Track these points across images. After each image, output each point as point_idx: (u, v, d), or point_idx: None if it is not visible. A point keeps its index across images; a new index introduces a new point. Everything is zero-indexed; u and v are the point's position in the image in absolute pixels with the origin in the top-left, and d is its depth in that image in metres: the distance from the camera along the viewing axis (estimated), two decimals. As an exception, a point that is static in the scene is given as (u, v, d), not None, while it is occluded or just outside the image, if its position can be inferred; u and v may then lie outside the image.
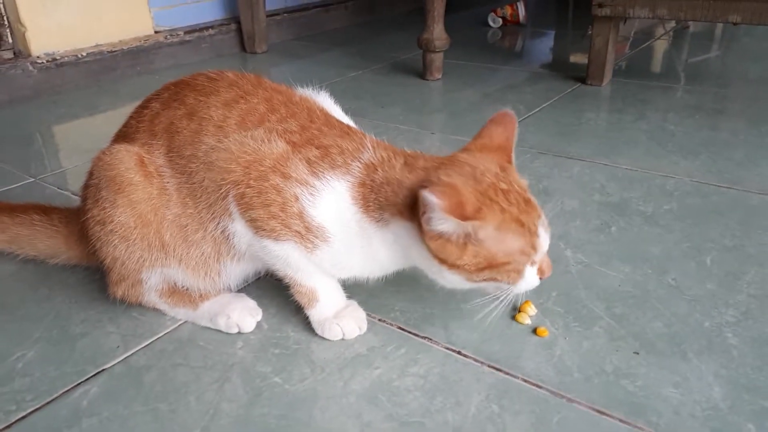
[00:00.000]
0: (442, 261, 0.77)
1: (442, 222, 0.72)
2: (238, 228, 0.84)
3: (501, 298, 0.81)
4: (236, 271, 0.93)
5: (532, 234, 0.77)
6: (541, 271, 0.81)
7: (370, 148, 0.83)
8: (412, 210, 0.77)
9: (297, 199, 0.79)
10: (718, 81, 2.08)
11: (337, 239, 0.81)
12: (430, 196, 0.70)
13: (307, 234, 0.80)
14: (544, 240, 0.79)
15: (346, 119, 0.95)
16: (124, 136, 0.93)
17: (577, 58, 2.42)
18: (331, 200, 0.80)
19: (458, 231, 0.73)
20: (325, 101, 0.95)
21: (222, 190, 0.82)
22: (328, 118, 0.88)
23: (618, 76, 2.13)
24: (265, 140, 0.82)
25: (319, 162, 0.81)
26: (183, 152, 0.86)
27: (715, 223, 1.16)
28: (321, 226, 0.80)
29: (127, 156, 0.87)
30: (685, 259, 1.05)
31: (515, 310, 0.93)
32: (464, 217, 0.72)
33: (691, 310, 0.93)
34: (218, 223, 0.85)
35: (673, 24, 2.92)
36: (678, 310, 0.93)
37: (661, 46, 2.63)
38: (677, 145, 1.53)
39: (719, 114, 1.76)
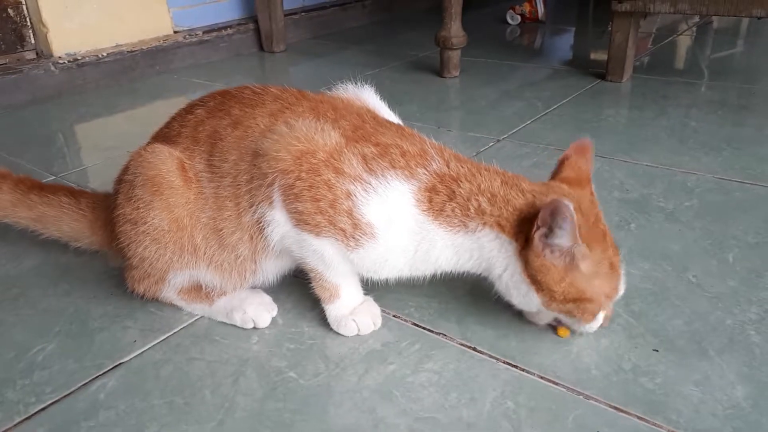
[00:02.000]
0: (536, 282, 0.77)
1: (565, 234, 0.72)
2: (277, 217, 0.82)
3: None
4: (273, 267, 0.92)
5: (618, 276, 0.78)
6: (606, 317, 0.81)
7: (438, 154, 0.82)
8: (517, 228, 0.77)
9: (349, 195, 0.78)
10: (742, 77, 2.05)
11: (386, 238, 0.80)
12: (569, 205, 0.70)
13: (354, 231, 0.79)
14: (623, 285, 0.80)
15: (393, 116, 0.95)
16: (165, 137, 0.92)
17: (598, 55, 2.39)
18: (388, 199, 0.78)
19: (570, 250, 0.74)
20: (371, 98, 0.94)
21: (269, 178, 0.80)
22: (379, 119, 0.87)
23: (639, 72, 2.10)
24: (318, 129, 0.80)
25: (378, 159, 0.79)
26: (227, 157, 0.85)
27: (738, 219, 1.14)
28: (370, 223, 0.79)
29: (169, 158, 0.87)
30: (707, 257, 1.04)
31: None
32: (583, 238, 0.73)
33: (712, 307, 0.91)
34: (255, 211, 0.83)
35: (696, 19, 2.87)
36: (698, 307, 0.91)
37: (684, 41, 2.59)
38: (699, 142, 1.51)
39: (743, 110, 1.73)
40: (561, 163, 0.85)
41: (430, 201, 0.79)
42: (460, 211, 0.79)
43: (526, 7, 2.99)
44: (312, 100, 0.88)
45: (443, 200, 0.79)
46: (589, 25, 3.10)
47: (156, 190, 0.85)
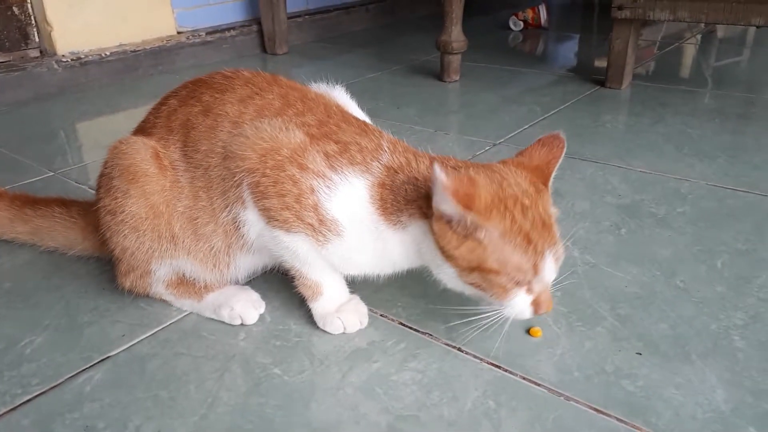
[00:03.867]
0: (441, 249, 0.76)
1: (444, 201, 0.72)
2: (250, 216, 0.85)
3: (490, 316, 0.79)
4: (246, 263, 0.94)
5: (538, 254, 0.74)
6: (537, 305, 0.77)
7: (389, 149, 0.83)
8: (429, 202, 0.77)
9: (313, 191, 0.80)
10: (744, 86, 2.05)
11: (349, 235, 0.81)
12: (439, 172, 0.70)
13: (320, 227, 0.81)
14: (549, 268, 0.75)
15: (362, 114, 0.96)
16: (141, 130, 0.95)
17: (600, 62, 2.39)
18: (348, 196, 0.80)
19: (457, 218, 0.73)
20: (341, 96, 0.96)
21: (236, 178, 0.83)
22: (345, 115, 0.89)
23: (640, 79, 2.10)
24: (283, 129, 0.82)
25: (338, 157, 0.81)
26: (199, 147, 0.87)
27: (729, 226, 1.14)
28: (335, 220, 0.80)
29: (143, 148, 0.89)
30: (696, 262, 1.04)
31: None
32: (468, 208, 0.71)
33: (698, 312, 0.91)
34: (230, 211, 0.86)
35: (701, 28, 2.87)
36: (684, 312, 0.91)
37: (688, 50, 2.59)
38: (695, 149, 1.51)
39: (742, 118, 1.73)
40: (520, 151, 0.85)
41: (381, 198, 0.80)
42: (395, 205, 0.80)
43: (529, 14, 2.99)
44: (283, 86, 0.89)
45: (386, 195, 0.80)
46: (593, 33, 3.11)
47: (131, 179, 0.87)
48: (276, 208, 0.81)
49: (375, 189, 0.80)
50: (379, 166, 0.81)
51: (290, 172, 0.80)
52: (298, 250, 0.84)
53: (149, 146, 0.89)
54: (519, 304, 0.77)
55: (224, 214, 0.86)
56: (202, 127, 0.87)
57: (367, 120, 0.94)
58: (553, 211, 0.79)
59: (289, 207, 0.80)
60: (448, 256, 0.76)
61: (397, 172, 0.81)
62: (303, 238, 0.82)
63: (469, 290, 0.80)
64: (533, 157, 0.83)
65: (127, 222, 0.88)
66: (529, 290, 0.76)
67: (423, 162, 0.82)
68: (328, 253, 0.83)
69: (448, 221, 0.74)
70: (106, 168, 0.91)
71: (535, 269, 0.74)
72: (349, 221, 0.81)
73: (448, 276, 0.79)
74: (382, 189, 0.80)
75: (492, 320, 0.80)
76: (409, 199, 0.79)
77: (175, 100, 0.92)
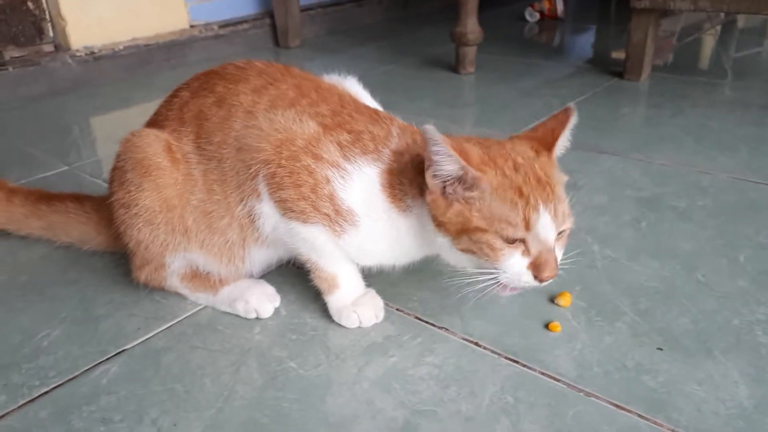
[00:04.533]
0: (434, 219, 0.76)
1: (444, 157, 0.71)
2: (266, 209, 0.84)
3: (483, 282, 0.75)
4: (260, 257, 0.94)
5: (530, 207, 0.70)
6: (535, 268, 0.72)
7: (398, 134, 0.83)
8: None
9: (328, 181, 0.79)
10: (765, 77, 2.01)
11: (365, 224, 0.81)
12: (429, 127, 0.69)
13: (336, 217, 0.80)
14: (544, 222, 0.71)
15: (375, 104, 0.95)
16: (153, 123, 0.95)
17: (618, 54, 2.35)
18: (362, 185, 0.80)
19: (455, 175, 0.72)
20: (353, 86, 0.95)
21: (252, 170, 0.82)
22: (358, 104, 0.88)
23: (659, 71, 2.07)
24: (297, 120, 0.82)
25: (351, 146, 0.81)
26: (212, 138, 0.86)
27: (752, 220, 1.12)
28: (350, 209, 0.80)
29: (155, 140, 0.89)
30: (717, 256, 1.02)
31: (550, 302, 0.92)
32: (466, 161, 0.71)
33: (719, 307, 0.89)
34: (245, 205, 0.85)
35: (721, 18, 2.82)
36: (706, 306, 0.89)
37: (707, 41, 2.55)
38: (715, 141, 1.48)
39: (764, 110, 1.69)
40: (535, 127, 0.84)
41: (390, 185, 0.80)
42: (401, 188, 0.79)
43: (545, 4, 2.96)
44: (297, 77, 0.89)
45: (394, 180, 0.80)
46: (610, 23, 3.07)
47: (145, 172, 0.87)
48: (292, 198, 0.80)
49: (385, 176, 0.80)
50: (389, 152, 0.81)
51: (305, 162, 0.80)
52: (315, 241, 0.83)
53: (162, 139, 0.89)
54: (514, 266, 0.72)
55: (239, 207, 0.86)
56: (216, 119, 0.86)
57: (380, 108, 0.94)
58: (559, 175, 0.77)
59: (305, 197, 0.80)
60: (438, 224, 0.76)
61: (402, 154, 0.81)
62: (320, 229, 0.82)
63: (467, 261, 0.78)
64: (538, 129, 0.82)
65: (140, 215, 0.88)
66: (526, 252, 0.73)
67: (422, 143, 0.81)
68: (345, 243, 0.82)
69: (442, 188, 0.74)
70: (119, 161, 0.91)
71: (527, 224, 0.71)
72: (364, 210, 0.81)
73: (444, 249, 0.79)
74: (391, 175, 0.80)
75: (488, 285, 0.75)
76: (411, 181, 0.79)
77: (187, 92, 0.92)
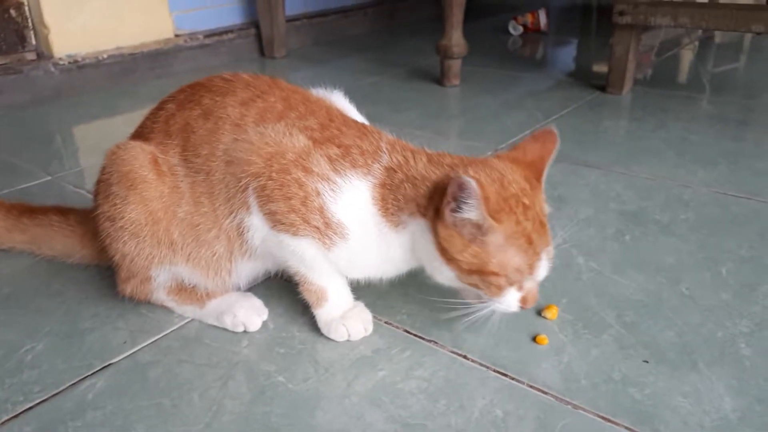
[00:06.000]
0: (444, 252, 0.77)
1: (472, 208, 0.72)
2: (255, 222, 0.84)
3: (479, 310, 0.81)
4: (247, 270, 0.94)
5: (535, 255, 0.76)
6: (524, 301, 0.80)
7: (388, 149, 0.83)
8: (429, 201, 0.78)
9: (318, 194, 0.80)
10: (743, 92, 2.05)
11: (355, 238, 0.81)
12: (470, 181, 0.70)
13: (326, 230, 0.81)
14: (543, 268, 0.78)
15: (361, 118, 0.96)
16: (139, 136, 0.94)
17: (600, 67, 2.39)
18: (352, 199, 0.80)
19: (477, 222, 0.74)
20: (340, 100, 0.96)
21: (242, 183, 0.82)
22: (346, 118, 0.89)
23: (640, 85, 2.11)
24: (287, 133, 0.82)
25: (341, 160, 0.81)
26: (200, 151, 0.86)
27: (733, 233, 1.14)
28: (340, 222, 0.80)
29: (141, 153, 0.88)
30: (700, 269, 1.03)
31: (537, 315, 0.93)
32: (488, 211, 0.73)
33: (704, 320, 0.91)
34: (234, 217, 0.85)
35: (699, 33, 2.88)
36: (690, 319, 0.91)
37: (686, 56, 2.59)
38: (696, 155, 1.51)
39: (742, 125, 1.73)
40: (515, 146, 0.86)
41: (383, 198, 0.81)
42: (395, 204, 0.80)
43: (529, 18, 3.00)
44: (285, 89, 0.89)
45: (387, 195, 0.81)
46: (591, 37, 3.11)
47: (130, 185, 0.86)
48: (282, 211, 0.81)
49: (377, 190, 0.81)
50: (380, 167, 0.82)
51: (296, 175, 0.80)
52: (304, 254, 0.83)
53: (147, 152, 0.88)
54: (509, 300, 0.79)
55: (228, 220, 0.86)
56: (203, 131, 0.86)
57: (366, 122, 0.94)
58: (546, 208, 0.81)
59: (295, 210, 0.80)
60: (450, 259, 0.77)
61: (395, 171, 0.81)
62: (309, 242, 0.82)
63: (459, 285, 0.82)
64: (527, 151, 0.84)
65: (126, 228, 0.87)
66: (520, 287, 0.79)
67: (420, 160, 0.82)
68: (335, 256, 0.83)
69: (459, 227, 0.75)
70: (104, 174, 0.91)
71: (531, 269, 0.77)
72: (354, 224, 0.81)
73: (447, 277, 0.80)
74: (383, 189, 0.81)
75: (480, 315, 0.82)
76: (408, 198, 0.80)
77: (172, 105, 0.91)
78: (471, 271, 0.77)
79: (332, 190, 0.80)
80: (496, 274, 0.76)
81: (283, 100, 0.87)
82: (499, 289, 0.78)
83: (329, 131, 0.84)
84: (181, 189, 0.87)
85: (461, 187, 0.72)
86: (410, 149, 0.85)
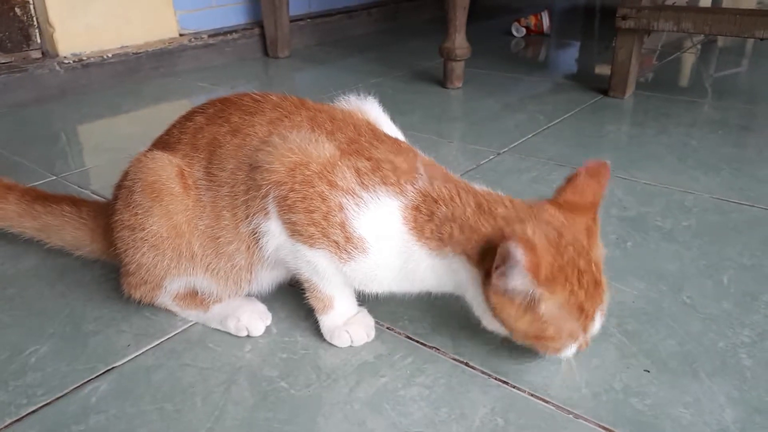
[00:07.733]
0: (496, 315, 0.77)
1: (518, 279, 0.70)
2: (273, 227, 0.82)
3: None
4: (268, 279, 0.93)
5: (588, 318, 0.75)
6: (579, 348, 0.80)
7: (426, 172, 0.81)
8: (481, 257, 0.75)
9: (341, 208, 0.78)
10: (745, 97, 2.05)
11: (376, 252, 0.80)
12: (516, 250, 0.68)
13: (346, 244, 0.79)
14: (596, 326, 0.78)
15: (394, 129, 0.95)
16: (165, 144, 0.93)
17: (602, 70, 2.40)
18: (378, 214, 0.78)
19: (527, 292, 0.72)
20: (373, 109, 0.93)
21: (263, 189, 0.81)
22: (376, 132, 0.87)
23: (642, 88, 2.11)
24: (312, 140, 0.80)
25: (370, 174, 0.79)
26: (225, 165, 0.85)
27: (734, 241, 1.14)
28: (362, 237, 0.79)
29: (169, 165, 0.87)
30: (702, 277, 1.04)
31: None
32: (538, 282, 0.71)
33: (705, 329, 0.91)
34: (251, 222, 0.83)
35: (701, 38, 2.88)
36: (692, 328, 0.91)
37: (688, 59, 2.59)
38: (698, 161, 1.51)
39: (744, 130, 1.73)
40: (567, 182, 0.82)
41: (415, 220, 0.79)
42: (437, 235, 0.78)
43: (532, 20, 3.00)
44: (311, 109, 0.88)
45: (424, 221, 0.78)
46: (594, 40, 3.11)
47: (156, 197, 0.86)
48: (302, 223, 0.80)
49: (409, 211, 0.79)
50: (414, 189, 0.79)
51: (319, 188, 0.78)
52: (318, 266, 0.83)
53: (174, 164, 0.87)
54: (567, 353, 0.80)
55: (245, 224, 0.84)
56: (230, 146, 0.85)
57: (400, 135, 0.94)
58: (601, 252, 0.79)
59: (315, 223, 0.79)
60: (506, 324, 0.77)
61: (437, 203, 0.78)
62: (325, 254, 0.81)
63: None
64: (584, 192, 0.80)
65: (147, 240, 0.87)
66: (575, 341, 0.79)
67: (469, 204, 0.78)
68: (351, 269, 0.81)
69: (510, 296, 0.73)
70: (126, 180, 0.90)
71: (585, 330, 0.77)
72: (377, 239, 0.79)
73: (497, 330, 0.81)
74: (417, 212, 0.78)
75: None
76: (454, 239, 0.77)
77: (202, 118, 0.90)
78: (527, 337, 0.78)
79: (356, 204, 0.78)
80: (552, 338, 0.76)
81: (309, 120, 0.85)
82: (557, 351, 0.78)
83: (358, 144, 0.82)
84: (203, 202, 0.87)
85: (506, 255, 0.69)
86: (454, 182, 0.81)
